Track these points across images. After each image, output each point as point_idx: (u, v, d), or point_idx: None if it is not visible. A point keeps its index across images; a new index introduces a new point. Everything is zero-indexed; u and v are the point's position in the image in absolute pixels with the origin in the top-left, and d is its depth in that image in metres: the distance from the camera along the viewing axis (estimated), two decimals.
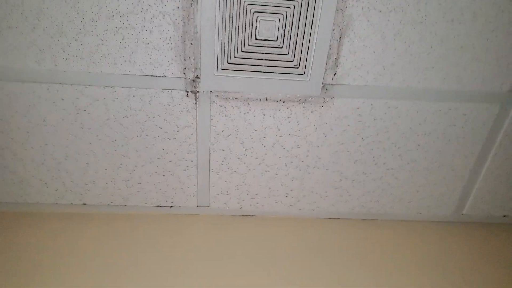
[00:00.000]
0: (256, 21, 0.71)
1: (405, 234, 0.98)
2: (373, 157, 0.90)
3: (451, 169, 0.93)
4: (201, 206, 0.96)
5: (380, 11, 0.72)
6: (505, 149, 0.90)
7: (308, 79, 0.78)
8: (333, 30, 0.73)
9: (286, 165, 0.90)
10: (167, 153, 0.86)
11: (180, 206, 0.95)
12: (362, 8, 0.72)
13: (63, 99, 0.78)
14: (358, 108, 0.83)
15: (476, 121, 0.86)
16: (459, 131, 0.87)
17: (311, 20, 0.72)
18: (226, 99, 0.80)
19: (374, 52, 0.76)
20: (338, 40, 0.75)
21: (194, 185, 0.92)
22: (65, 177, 0.88)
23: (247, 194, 0.94)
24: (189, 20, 0.71)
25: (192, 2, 0.69)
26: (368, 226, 0.99)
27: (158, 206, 0.95)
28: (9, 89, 0.76)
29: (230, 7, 0.70)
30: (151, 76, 0.76)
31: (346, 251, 0.91)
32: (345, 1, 0.71)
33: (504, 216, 1.02)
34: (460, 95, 0.83)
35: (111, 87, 0.77)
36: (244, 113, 0.82)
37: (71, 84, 0.76)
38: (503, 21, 0.75)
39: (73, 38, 0.71)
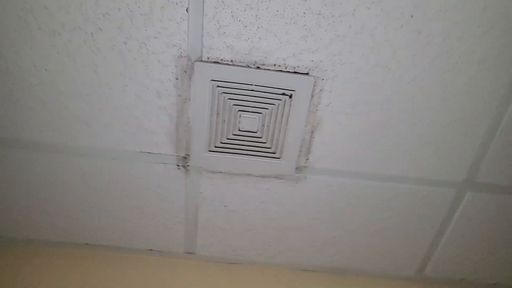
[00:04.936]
0: (240, 117, 0.83)
1: (369, 287, 1.10)
2: (342, 224, 1.01)
3: (413, 239, 1.04)
4: (188, 253, 1.09)
5: (347, 114, 0.83)
6: (460, 226, 1.00)
7: (283, 162, 0.89)
8: (306, 126, 0.85)
9: (265, 226, 1.02)
10: (160, 211, 0.99)
11: (169, 251, 1.08)
12: (331, 111, 0.83)
13: (73, 167, 0.91)
14: (328, 186, 0.94)
15: (434, 203, 0.97)
16: (420, 209, 0.98)
17: (287, 118, 0.83)
18: (213, 172, 0.92)
19: (342, 145, 0.87)
20: (310, 134, 0.86)
21: (182, 236, 1.04)
22: (73, 222, 1.02)
23: (230, 246, 1.07)
24: (182, 113, 0.83)
25: (186, 100, 0.81)
26: (337, 279, 1.12)
27: (150, 250, 1.08)
28: (29, 156, 0.89)
29: (217, 105, 0.81)
30: (149, 153, 0.89)
31: None
32: (316, 106, 0.82)
33: (461, 280, 1.12)
34: (420, 181, 0.93)
35: (114, 159, 0.89)
36: (229, 184, 0.94)
37: (82, 155, 0.89)
38: (456, 128, 0.85)
39: (84, 122, 0.84)
